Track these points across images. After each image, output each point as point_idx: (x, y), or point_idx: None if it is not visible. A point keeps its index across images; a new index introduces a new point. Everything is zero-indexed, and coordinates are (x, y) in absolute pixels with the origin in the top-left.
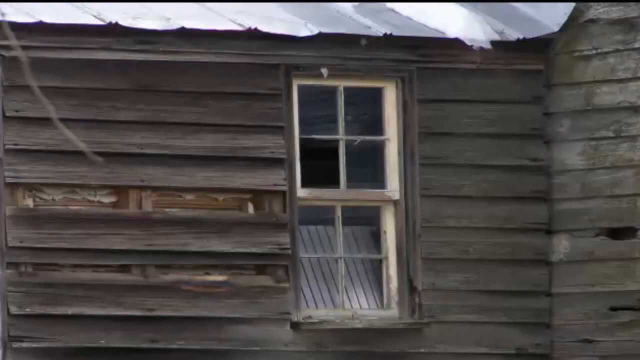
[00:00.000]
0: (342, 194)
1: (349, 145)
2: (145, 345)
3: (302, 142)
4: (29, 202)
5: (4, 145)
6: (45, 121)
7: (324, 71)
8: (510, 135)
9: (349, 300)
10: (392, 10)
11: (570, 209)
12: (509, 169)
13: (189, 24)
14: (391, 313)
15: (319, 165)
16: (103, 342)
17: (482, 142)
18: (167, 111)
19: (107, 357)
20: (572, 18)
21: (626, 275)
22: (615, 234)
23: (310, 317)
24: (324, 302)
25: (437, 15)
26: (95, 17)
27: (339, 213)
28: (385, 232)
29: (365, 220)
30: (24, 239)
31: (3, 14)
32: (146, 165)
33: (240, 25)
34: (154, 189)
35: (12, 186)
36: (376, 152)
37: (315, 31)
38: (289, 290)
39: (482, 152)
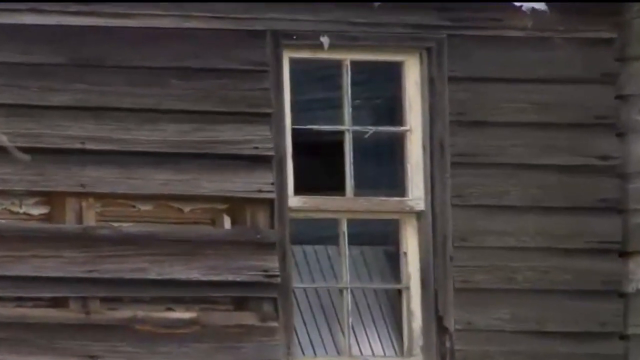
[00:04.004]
0: (348, 203)
1: (357, 138)
2: None
3: (296, 134)
4: None
5: None
6: None
7: (325, 40)
8: (571, 125)
9: (358, 344)
10: None
11: None
12: (569, 171)
13: None
14: None
15: (318, 165)
16: None
17: (533, 135)
18: (117, 93)
19: None
20: None
21: None
22: None
23: None
24: (324, 347)
25: None
26: None
27: (344, 228)
28: (405, 253)
29: (379, 238)
30: None
31: None
32: (88, 165)
33: None
34: (98, 196)
35: None
36: (394, 148)
37: None
38: (279, 330)
39: (533, 148)
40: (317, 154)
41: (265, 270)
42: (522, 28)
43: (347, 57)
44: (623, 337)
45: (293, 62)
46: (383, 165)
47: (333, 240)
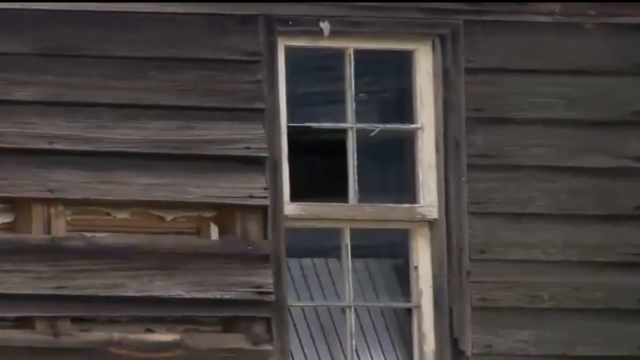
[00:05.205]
0: (351, 211)
1: (362, 137)
2: None
3: (292, 132)
4: None
5: None
6: None
7: (325, 26)
8: (604, 122)
9: None
10: None
11: None
12: (602, 174)
13: None
14: None
15: (317, 167)
16: None
17: (561, 134)
18: (90, 87)
19: None
20: None
21: None
22: None
23: None
24: None
25: None
26: None
27: (347, 240)
28: (416, 267)
29: (386, 251)
30: None
31: None
32: (57, 168)
33: None
34: (69, 203)
35: None
36: (403, 148)
37: None
38: (273, 355)
39: (561, 148)
40: (316, 155)
41: (258, 287)
42: (548, 13)
43: (350, 46)
44: None
45: (289, 51)
46: (391, 167)
47: (334, 252)
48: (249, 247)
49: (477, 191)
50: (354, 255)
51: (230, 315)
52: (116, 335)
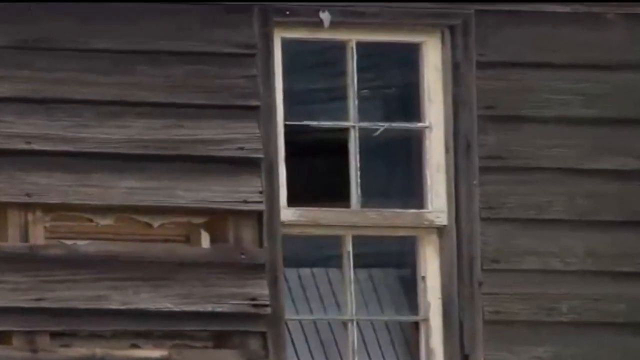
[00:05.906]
0: (353, 217)
1: (365, 137)
2: None
3: (290, 132)
4: None
5: None
6: None
7: (325, 17)
8: (626, 121)
9: None
10: None
11: None
12: (624, 177)
13: None
14: None
15: (317, 169)
16: None
17: (581, 133)
18: (71, 82)
19: None
20: None
21: None
22: None
23: None
24: None
25: None
26: None
27: (349, 248)
28: (424, 278)
29: (391, 260)
30: None
31: None
32: (36, 170)
33: None
34: (48, 208)
35: None
36: (410, 149)
37: None
38: None
39: (581, 149)
40: (315, 156)
41: (252, 299)
42: (566, 2)
43: (353, 38)
44: None
45: (286, 43)
46: (396, 169)
47: (335, 261)
48: (243, 256)
49: (489, 195)
50: (356, 265)
51: (223, 330)
52: (99, 351)
